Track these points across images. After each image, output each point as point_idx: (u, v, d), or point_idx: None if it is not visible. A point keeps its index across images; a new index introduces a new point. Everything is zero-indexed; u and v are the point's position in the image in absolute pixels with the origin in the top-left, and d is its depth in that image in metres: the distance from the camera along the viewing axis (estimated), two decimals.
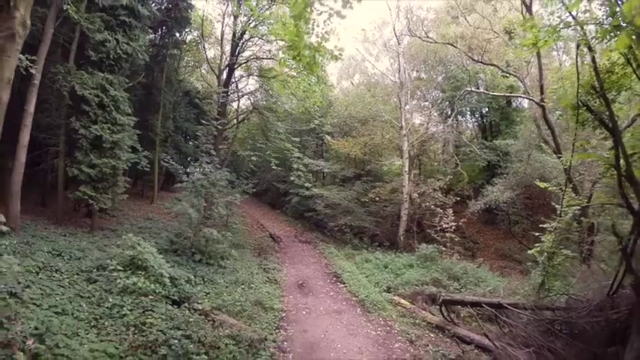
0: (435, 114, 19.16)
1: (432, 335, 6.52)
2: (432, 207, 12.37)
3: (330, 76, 23.71)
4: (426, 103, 19.32)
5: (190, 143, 26.58)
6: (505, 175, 14.15)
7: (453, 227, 11.33)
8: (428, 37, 12.99)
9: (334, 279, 9.63)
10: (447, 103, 19.45)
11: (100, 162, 10.39)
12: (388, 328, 6.45)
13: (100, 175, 10.48)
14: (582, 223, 7.34)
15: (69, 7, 9.20)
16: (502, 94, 14.73)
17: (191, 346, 4.51)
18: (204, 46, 23.39)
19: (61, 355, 3.92)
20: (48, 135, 11.30)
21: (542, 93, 10.64)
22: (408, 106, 15.00)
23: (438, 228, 11.55)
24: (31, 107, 8.89)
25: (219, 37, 20.63)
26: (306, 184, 15.74)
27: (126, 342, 4.54)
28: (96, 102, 10.45)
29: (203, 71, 29.32)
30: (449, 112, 19.34)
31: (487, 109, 21.19)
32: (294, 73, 14.27)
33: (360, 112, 16.77)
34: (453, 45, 12.71)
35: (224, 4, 17.84)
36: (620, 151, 5.68)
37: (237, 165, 22.85)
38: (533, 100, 10.56)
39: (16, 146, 9.15)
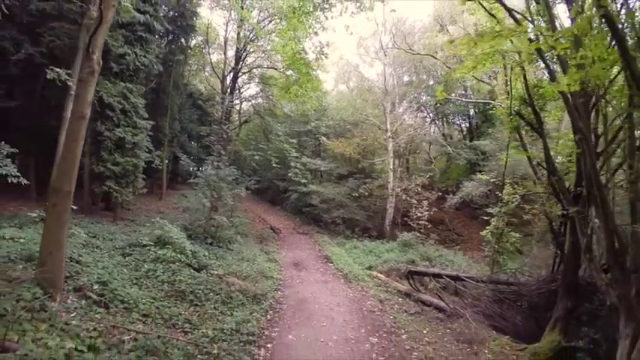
0: (421, 116, 20.70)
1: (399, 299, 8.09)
2: (412, 200, 13.93)
3: (327, 81, 25.36)
4: (413, 107, 20.87)
5: (193, 143, 28.07)
6: (482, 173, 15.66)
7: (426, 216, 12.90)
8: (411, 49, 14.52)
9: (325, 260, 11.22)
10: (434, 106, 21.00)
11: (123, 160, 11.98)
12: (364, 292, 8.03)
13: (123, 172, 12.07)
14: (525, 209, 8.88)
15: None
16: (474, 100, 16.27)
17: (211, 294, 6.10)
18: (209, 52, 24.87)
19: (119, 295, 5.50)
20: None
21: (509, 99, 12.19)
22: (395, 111, 16.57)
23: (414, 217, 13.15)
24: (68, 114, 10.42)
25: (223, 44, 22.25)
26: (303, 180, 17.26)
27: (162, 292, 6.13)
28: (119, 108, 12.04)
29: (206, 74, 30.78)
30: (435, 115, 20.87)
31: (473, 112, 22.77)
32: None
33: (350, 117, 18.33)
34: (432, 56, 14.24)
35: (227, 12, 19.50)
36: (546, 150, 7.27)
37: (240, 164, 24.43)
38: (500, 106, 12.06)
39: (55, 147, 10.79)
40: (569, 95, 5.59)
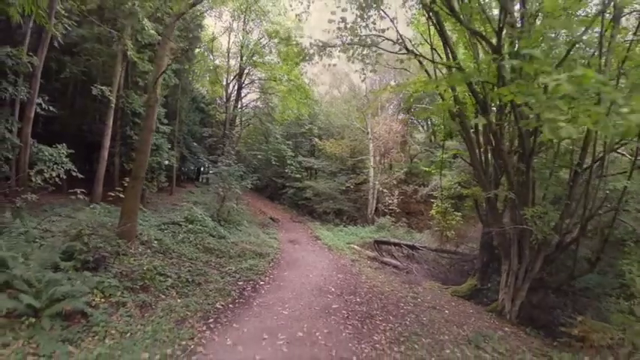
0: (406, 118, 23.42)
1: (367, 261, 10.82)
2: (384, 190, 16.68)
3: (321, 85, 28.05)
4: (392, 110, 23.63)
5: (195, 144, 30.60)
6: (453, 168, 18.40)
7: (396, 203, 15.67)
8: (388, 63, 17.21)
9: (315, 239, 13.96)
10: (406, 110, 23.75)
11: (148, 159, 14.60)
12: (341, 256, 10.76)
13: (149, 169, 14.71)
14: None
15: (132, 53, 13.42)
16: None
17: (231, 251, 8.81)
18: (212, 59, 27.45)
19: (170, 248, 8.18)
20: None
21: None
22: (377, 116, 19.32)
23: (387, 204, 15.91)
24: (109, 121, 13.13)
25: (226, 53, 24.87)
26: (297, 176, 19.99)
27: (197, 249, 8.82)
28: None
29: (208, 79, 33.28)
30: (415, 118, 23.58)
31: None
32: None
33: (338, 121, 21.03)
34: (406, 70, 16.93)
35: (229, 28, 22.13)
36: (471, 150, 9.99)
37: (242, 162, 26.97)
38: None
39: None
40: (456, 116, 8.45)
